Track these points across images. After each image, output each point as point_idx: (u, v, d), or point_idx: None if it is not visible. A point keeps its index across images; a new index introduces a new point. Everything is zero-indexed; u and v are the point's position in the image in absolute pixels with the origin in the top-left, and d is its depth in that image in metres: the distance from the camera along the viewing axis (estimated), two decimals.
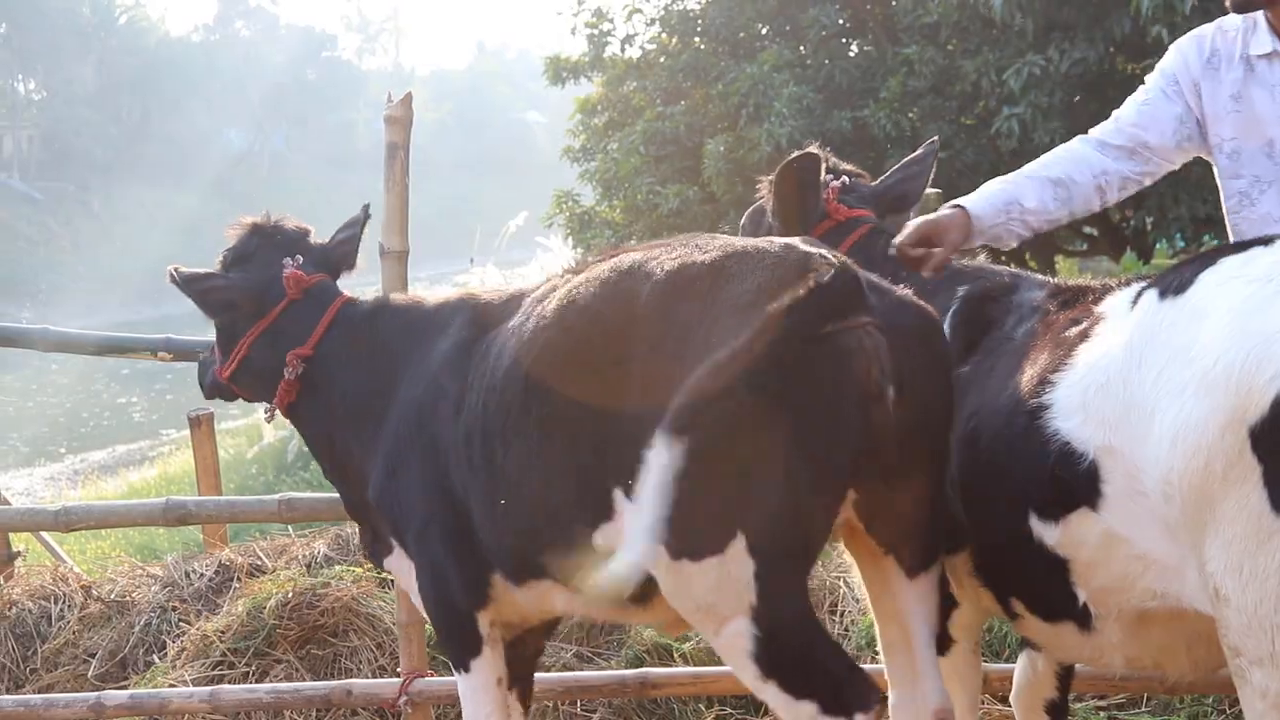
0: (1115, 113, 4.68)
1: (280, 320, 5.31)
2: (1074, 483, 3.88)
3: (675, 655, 6.29)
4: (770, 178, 5.05)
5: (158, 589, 7.10)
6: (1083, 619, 4.06)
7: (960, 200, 4.70)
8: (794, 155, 4.93)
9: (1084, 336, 4.03)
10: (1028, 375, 4.11)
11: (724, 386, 3.75)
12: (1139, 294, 3.95)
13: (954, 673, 4.74)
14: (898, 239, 4.68)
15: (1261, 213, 4.50)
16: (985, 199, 4.71)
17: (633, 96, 20.14)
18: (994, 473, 4.15)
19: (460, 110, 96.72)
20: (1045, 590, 4.12)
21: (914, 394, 3.93)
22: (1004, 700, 5.62)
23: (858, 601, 6.68)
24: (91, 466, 27.62)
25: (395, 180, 5.88)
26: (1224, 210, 4.73)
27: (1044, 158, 4.72)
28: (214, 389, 5.59)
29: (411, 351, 4.99)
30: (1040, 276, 4.70)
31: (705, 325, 3.92)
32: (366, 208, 5.58)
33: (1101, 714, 5.76)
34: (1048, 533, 3.99)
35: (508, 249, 30.39)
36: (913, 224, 4.73)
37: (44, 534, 8.58)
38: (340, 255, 5.52)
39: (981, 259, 4.92)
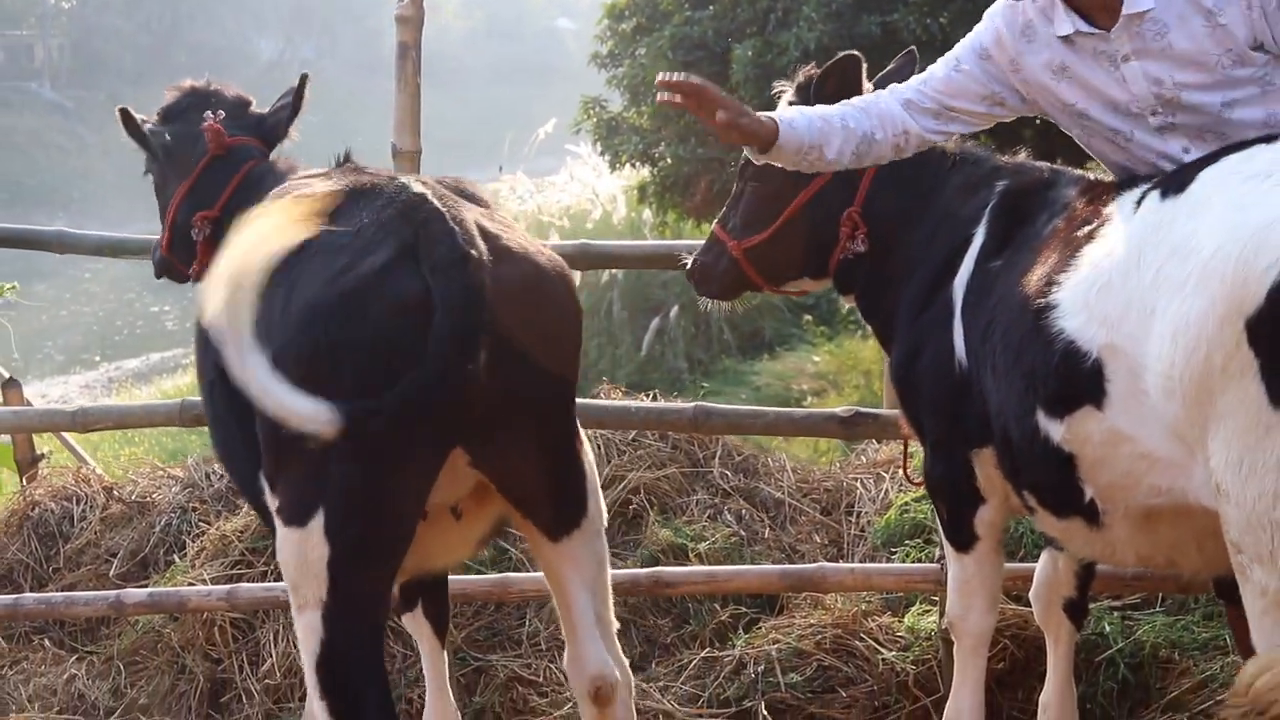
0: (926, 71, 4.56)
1: (201, 179, 5.20)
2: (1078, 381, 3.89)
3: (691, 555, 6.31)
4: (801, 79, 5.01)
5: (178, 490, 7.14)
6: (1091, 515, 4.09)
7: (775, 115, 4.50)
8: (838, 57, 4.91)
9: (1091, 236, 4.03)
10: (1038, 273, 4.11)
11: (294, 330, 3.67)
12: (1144, 194, 3.94)
13: (976, 570, 4.78)
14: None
15: (1139, 154, 4.40)
16: (794, 132, 4.46)
17: (661, 1, 19.95)
18: (1007, 367, 4.16)
19: (492, 18, 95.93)
20: (1055, 485, 4.15)
21: (519, 357, 3.84)
22: (1017, 599, 5.63)
23: (874, 503, 6.70)
24: (126, 374, 27.80)
25: (407, 80, 5.86)
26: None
27: (856, 103, 4.55)
28: (161, 266, 5.50)
29: None
30: (1077, 173, 4.67)
31: (300, 265, 3.78)
32: (305, 76, 5.40)
33: (1115, 614, 5.75)
34: (1054, 429, 4.01)
35: (537, 156, 30.22)
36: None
37: (68, 438, 8.64)
38: (273, 123, 5.39)
39: (1023, 156, 4.90)
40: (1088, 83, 4.29)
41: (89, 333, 34.48)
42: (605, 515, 4.46)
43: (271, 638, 6.11)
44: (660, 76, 4.33)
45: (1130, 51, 4.17)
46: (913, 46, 5.37)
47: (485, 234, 3.88)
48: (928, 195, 4.87)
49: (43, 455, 7.99)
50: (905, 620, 5.87)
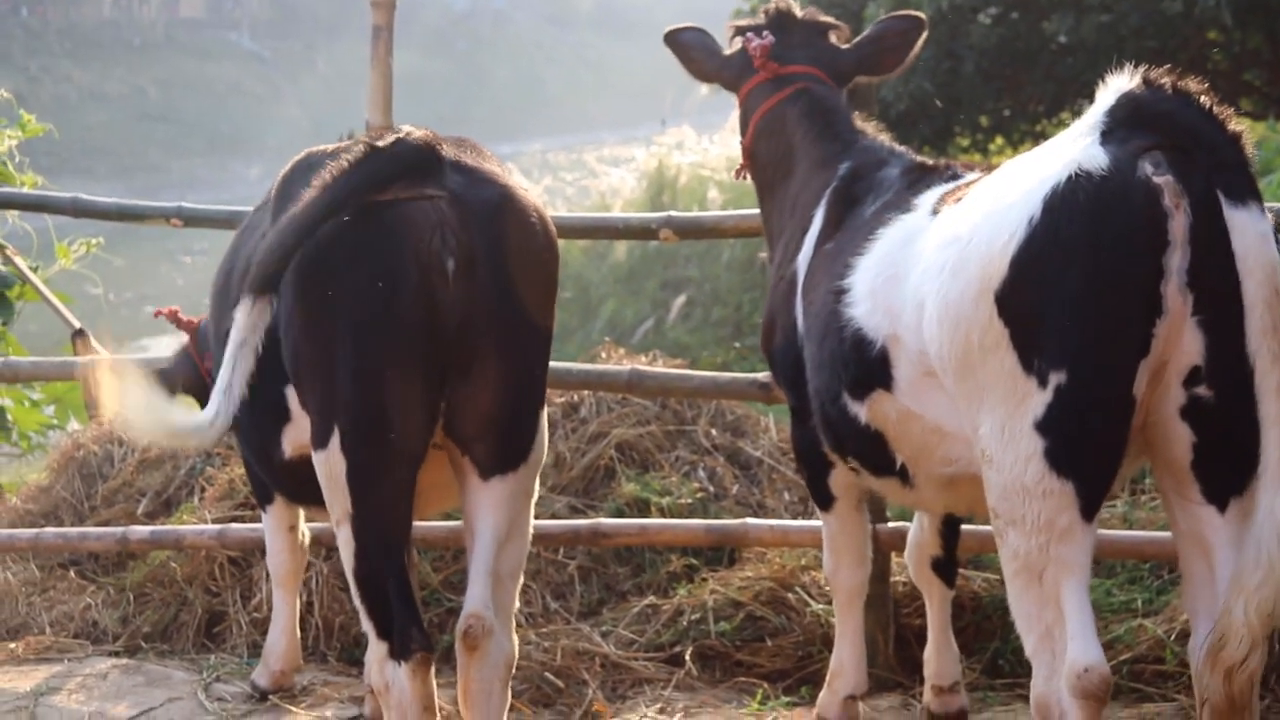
0: None
1: None
2: (869, 367, 4.26)
3: (653, 509, 6.65)
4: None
5: None
6: (904, 477, 4.45)
7: None
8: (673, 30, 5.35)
9: (888, 225, 4.36)
10: (843, 259, 4.43)
11: (281, 255, 4.13)
12: (942, 196, 4.26)
13: (840, 528, 5.08)
14: None
15: None
16: None
17: None
18: (820, 350, 4.48)
19: None
20: (872, 455, 4.49)
21: (487, 275, 4.16)
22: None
23: None
24: None
25: (379, 60, 6.23)
26: None
27: None
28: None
29: None
30: (909, 157, 4.87)
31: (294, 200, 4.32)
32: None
33: None
34: (860, 410, 4.37)
35: (701, 111, 30.21)
36: None
37: None
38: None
39: (873, 130, 5.11)
40: None
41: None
42: (536, 489, 4.64)
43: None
44: None
45: None
46: (923, 16, 5.35)
47: (458, 166, 4.27)
48: (793, 159, 5.11)
49: None
50: None
